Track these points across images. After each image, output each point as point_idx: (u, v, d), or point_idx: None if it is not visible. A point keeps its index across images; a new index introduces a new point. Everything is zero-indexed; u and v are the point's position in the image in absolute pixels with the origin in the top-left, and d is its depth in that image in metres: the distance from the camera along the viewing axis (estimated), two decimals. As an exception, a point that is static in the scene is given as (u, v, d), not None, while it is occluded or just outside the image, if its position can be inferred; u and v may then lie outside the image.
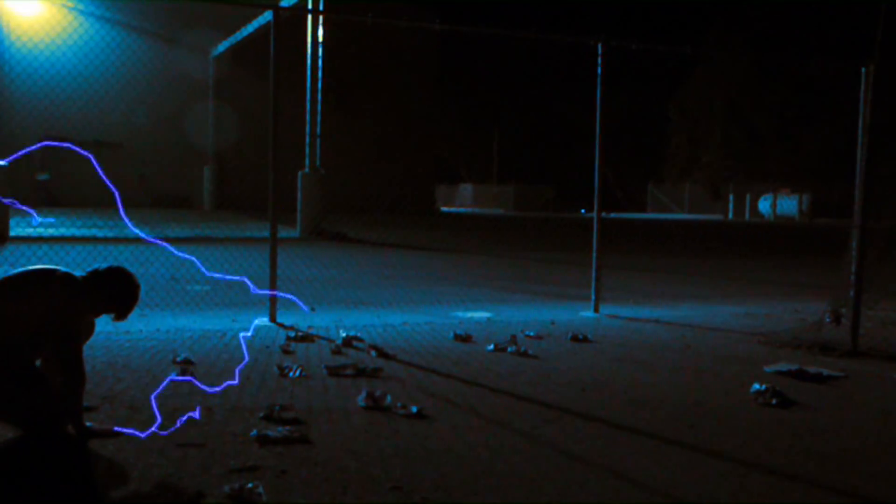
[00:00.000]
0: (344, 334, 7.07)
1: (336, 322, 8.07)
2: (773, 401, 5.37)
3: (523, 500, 3.66)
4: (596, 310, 9.10)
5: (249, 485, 3.57)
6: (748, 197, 53.95)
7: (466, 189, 65.79)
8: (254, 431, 4.34)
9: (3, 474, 3.81)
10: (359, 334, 7.20)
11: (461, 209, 56.67)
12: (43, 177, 31.34)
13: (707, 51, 48.49)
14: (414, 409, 4.87)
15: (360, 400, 4.99)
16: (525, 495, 3.71)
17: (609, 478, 3.96)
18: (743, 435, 4.70)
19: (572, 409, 5.17)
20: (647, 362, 6.63)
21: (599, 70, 8.79)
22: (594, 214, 9.16)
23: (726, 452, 4.38)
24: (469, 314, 8.87)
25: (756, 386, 5.58)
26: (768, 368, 6.39)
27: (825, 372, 6.27)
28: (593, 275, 9.13)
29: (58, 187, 31.49)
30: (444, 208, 51.38)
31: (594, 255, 9.12)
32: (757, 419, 5.05)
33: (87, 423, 4.30)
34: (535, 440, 4.52)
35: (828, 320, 7.82)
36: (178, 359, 6.04)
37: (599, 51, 8.80)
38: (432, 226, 26.46)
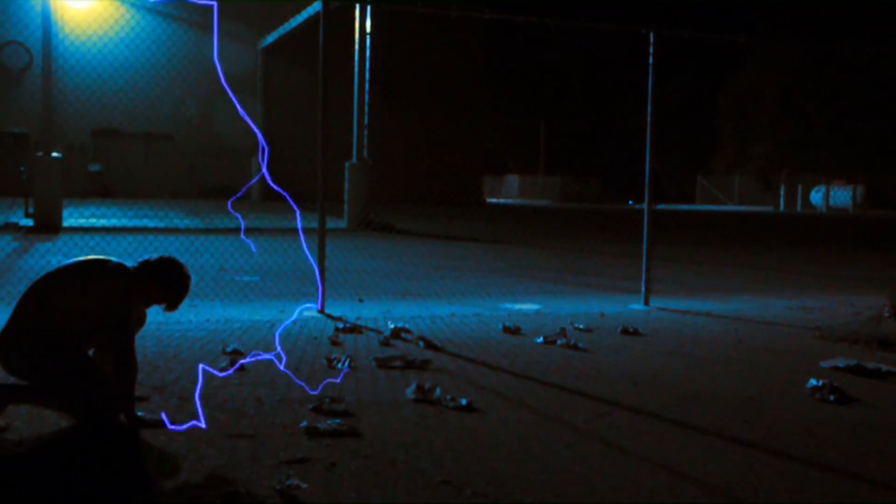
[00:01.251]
0: (392, 326, 7.05)
1: (384, 313, 8.06)
2: (831, 397, 5.24)
3: (576, 497, 3.60)
4: (646, 302, 8.98)
5: (292, 482, 3.54)
6: (800, 188, 52.98)
7: (513, 180, 65.49)
8: (303, 423, 4.33)
9: (57, 463, 3.84)
10: (407, 326, 7.18)
11: (507, 200, 56.48)
12: (94, 168, 31.79)
13: (759, 39, 47.69)
14: (463, 402, 4.82)
15: (410, 392, 4.96)
16: (578, 491, 3.65)
17: (663, 474, 3.88)
18: (800, 432, 4.59)
19: (624, 403, 5.10)
20: (699, 356, 6.52)
21: (651, 60, 8.66)
22: (645, 206, 9.04)
23: (783, 450, 4.28)
24: (517, 306, 8.81)
25: (813, 382, 5.45)
26: (825, 363, 6.25)
27: (884, 368, 6.11)
28: (644, 267, 9.01)
29: (109, 178, 31.92)
30: (491, 199, 51.24)
31: (645, 246, 9.00)
32: (814, 416, 4.93)
33: (139, 413, 4.32)
34: (586, 435, 4.46)
35: (886, 314, 7.62)
36: (228, 349, 6.06)
37: (651, 40, 8.67)
38: (479, 217, 26.43)
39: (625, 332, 7.36)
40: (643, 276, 9.03)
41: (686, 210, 41.38)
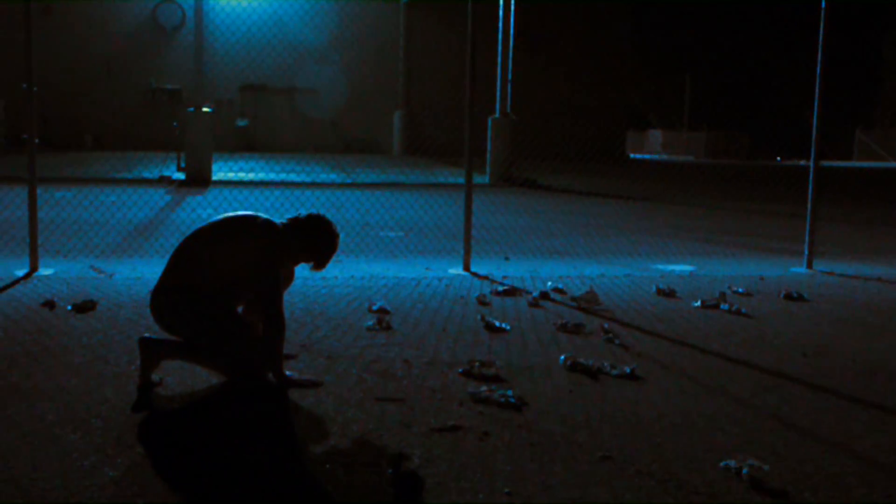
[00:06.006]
0: (541, 286, 6.80)
1: (531, 272, 7.81)
2: None
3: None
4: (809, 265, 8.43)
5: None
6: (972, 143, 49.49)
7: (655, 135, 63.77)
8: (457, 389, 4.16)
9: (206, 420, 3.79)
10: (556, 286, 6.93)
11: (650, 156, 55.05)
12: (242, 123, 32.56)
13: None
14: (627, 370, 4.54)
15: (564, 359, 4.71)
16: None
17: (847, 458, 3.52)
18: None
19: (794, 375, 4.72)
20: (874, 325, 6.03)
21: (824, 4, 8.00)
22: (811, 162, 8.44)
23: (984, 435, 3.84)
24: (670, 267, 8.41)
25: None
26: None
27: None
28: (807, 228, 8.44)
29: (255, 133, 32.66)
30: (633, 155, 50.05)
31: (809, 205, 8.42)
32: None
33: (287, 373, 4.24)
34: (755, 409, 4.12)
35: None
36: (374, 307, 5.95)
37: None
38: (622, 173, 25.75)
39: (788, 297, 6.89)
40: (806, 238, 8.47)
41: (844, 167, 39.31)
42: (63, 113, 29.23)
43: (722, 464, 3.39)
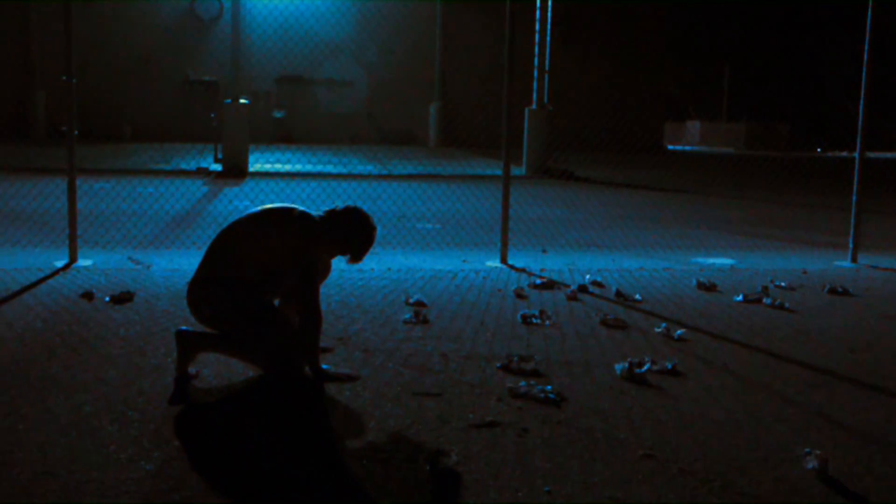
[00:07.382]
0: (579, 280, 6.71)
1: (569, 265, 7.73)
2: None
3: (798, 480, 3.20)
4: (853, 259, 8.25)
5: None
6: None
7: (693, 126, 63.13)
8: (496, 384, 4.09)
9: (243, 414, 3.76)
10: (594, 279, 6.84)
11: (688, 147, 54.52)
12: (279, 114, 32.63)
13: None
14: (668, 366, 4.45)
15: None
16: (798, 473, 3.25)
17: (898, 459, 3.43)
18: None
19: (841, 372, 4.60)
20: (922, 321, 5.88)
21: (871, -9, 7.83)
22: (857, 154, 8.27)
23: None
24: (710, 260, 8.28)
25: None
26: None
27: None
28: (852, 220, 8.27)
29: (292, 124, 32.72)
30: (671, 146, 49.60)
31: (854, 196, 8.25)
32: None
33: (324, 366, 4.20)
34: (801, 407, 4.02)
35: None
36: (411, 300, 5.91)
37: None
38: (661, 165, 25.49)
39: (832, 291, 6.74)
40: (851, 230, 8.29)
41: (887, 158, 38.56)
42: (102, 104, 29.45)
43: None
